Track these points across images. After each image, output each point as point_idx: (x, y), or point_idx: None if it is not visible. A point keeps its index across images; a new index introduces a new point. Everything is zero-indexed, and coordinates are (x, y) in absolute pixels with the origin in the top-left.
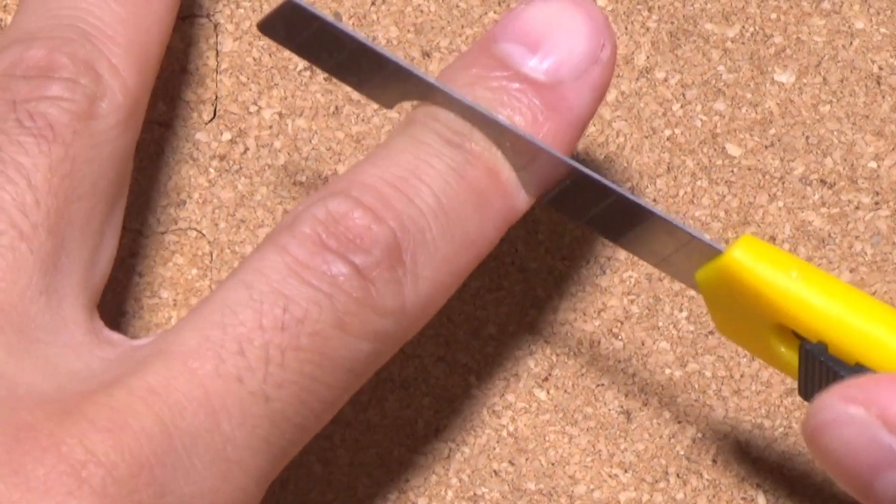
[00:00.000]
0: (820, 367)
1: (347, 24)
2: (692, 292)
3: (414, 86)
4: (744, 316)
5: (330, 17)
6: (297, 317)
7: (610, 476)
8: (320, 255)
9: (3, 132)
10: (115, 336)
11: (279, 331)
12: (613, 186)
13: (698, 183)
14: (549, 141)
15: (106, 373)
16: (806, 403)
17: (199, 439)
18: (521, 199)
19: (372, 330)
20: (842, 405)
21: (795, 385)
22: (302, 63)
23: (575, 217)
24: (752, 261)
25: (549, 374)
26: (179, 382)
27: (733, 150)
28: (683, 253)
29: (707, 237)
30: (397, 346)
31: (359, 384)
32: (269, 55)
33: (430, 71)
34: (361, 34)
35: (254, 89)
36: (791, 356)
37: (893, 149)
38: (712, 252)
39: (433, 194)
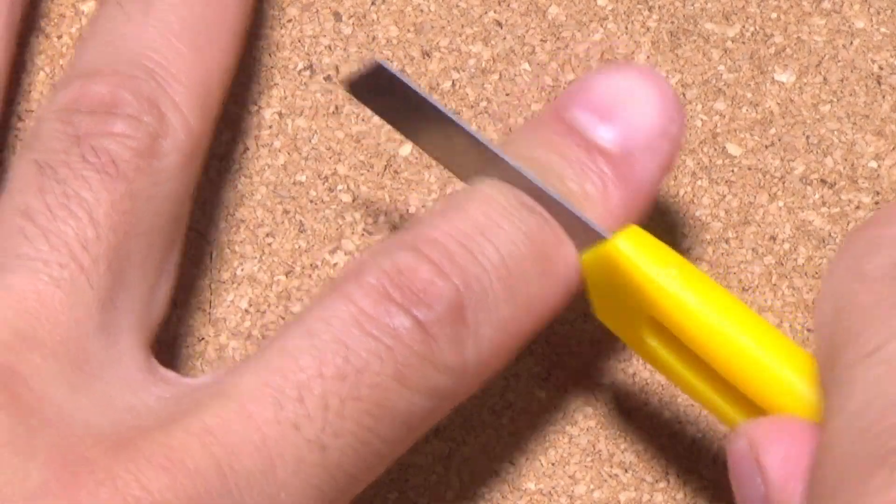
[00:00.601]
0: None
1: (434, 96)
2: None
3: (489, 162)
4: (620, 304)
5: (416, 86)
6: (357, 367)
7: (610, 476)
8: (384, 307)
9: (67, 166)
10: (171, 374)
11: (339, 380)
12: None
13: (698, 183)
14: (617, 212)
15: (162, 410)
16: None
17: (253, 483)
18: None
19: (431, 385)
20: (735, 435)
21: None
22: (302, 62)
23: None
24: (633, 252)
25: (549, 374)
26: (236, 425)
27: (733, 149)
28: (574, 236)
29: (595, 223)
30: (453, 404)
31: (413, 440)
32: (269, 55)
33: (431, 70)
34: (445, 107)
35: (254, 89)
36: (660, 350)
37: (894, 148)
38: (598, 237)
39: (499, 255)
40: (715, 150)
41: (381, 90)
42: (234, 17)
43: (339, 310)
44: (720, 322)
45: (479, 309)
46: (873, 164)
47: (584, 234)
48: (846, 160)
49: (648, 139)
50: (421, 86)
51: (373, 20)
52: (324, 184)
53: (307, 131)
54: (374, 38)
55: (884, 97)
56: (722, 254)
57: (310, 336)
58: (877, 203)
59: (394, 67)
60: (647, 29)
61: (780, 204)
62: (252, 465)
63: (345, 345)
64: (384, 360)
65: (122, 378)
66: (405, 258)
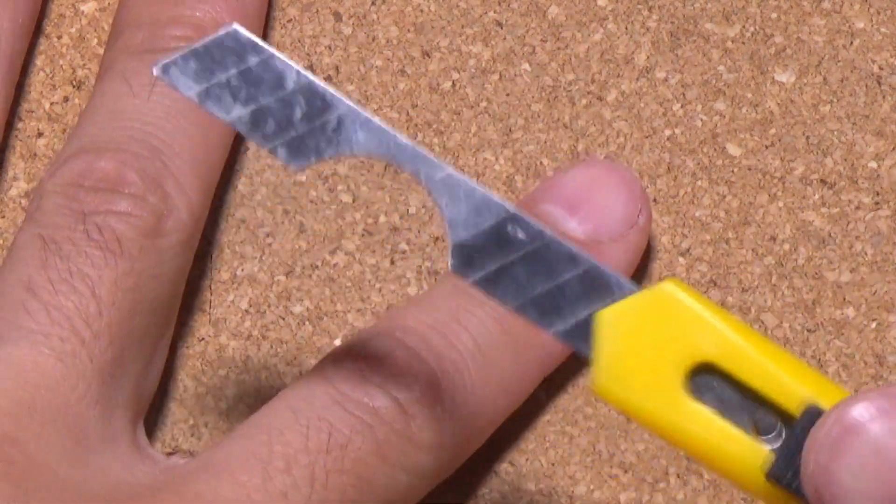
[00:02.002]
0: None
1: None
2: None
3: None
4: (651, 361)
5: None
6: (340, 442)
7: (610, 476)
8: (363, 389)
9: (71, 242)
10: (156, 453)
11: (324, 453)
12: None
13: (698, 183)
14: None
15: (154, 483)
16: None
17: None
18: (559, 348)
19: (411, 462)
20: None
21: None
22: (302, 62)
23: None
24: (687, 294)
25: (550, 374)
26: (227, 492)
27: (733, 150)
28: (586, 291)
29: (623, 277)
30: (432, 484)
31: None
32: None
33: (431, 70)
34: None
35: None
36: (695, 407)
37: (894, 149)
38: (628, 291)
39: (473, 339)
40: (715, 150)
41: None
42: None
43: (319, 391)
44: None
45: (455, 391)
46: (873, 165)
47: (601, 291)
48: (846, 160)
49: (616, 230)
50: (407, 97)
51: (373, 20)
52: (324, 184)
53: None
54: (374, 38)
55: (884, 97)
56: (722, 254)
57: (293, 412)
58: (877, 203)
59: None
60: (647, 29)
61: (780, 204)
62: None
63: (328, 421)
64: (365, 437)
65: (115, 453)
66: (383, 344)
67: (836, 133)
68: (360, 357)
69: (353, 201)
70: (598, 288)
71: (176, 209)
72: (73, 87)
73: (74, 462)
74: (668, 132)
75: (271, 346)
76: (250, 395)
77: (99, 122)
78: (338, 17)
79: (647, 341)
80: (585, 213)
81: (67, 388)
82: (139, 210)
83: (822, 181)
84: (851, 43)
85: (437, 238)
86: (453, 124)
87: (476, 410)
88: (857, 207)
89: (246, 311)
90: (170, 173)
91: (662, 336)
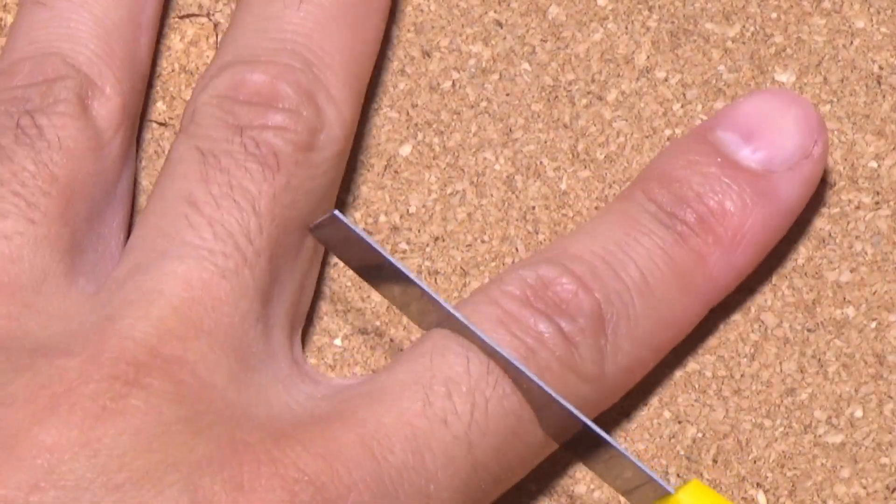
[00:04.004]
0: None
1: (386, 249)
2: None
3: (444, 317)
4: None
5: (367, 238)
6: (502, 365)
7: None
8: (528, 311)
9: (230, 155)
10: (316, 372)
11: (484, 378)
12: (610, 440)
13: None
14: (756, 228)
15: (316, 408)
16: (805, 406)
17: (404, 474)
18: (725, 283)
19: (572, 392)
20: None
21: (796, 385)
22: None
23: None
24: None
25: None
26: (388, 419)
27: None
28: (645, 488)
29: (658, 478)
30: (591, 415)
31: (550, 449)
32: None
33: (431, 70)
34: (398, 261)
35: None
36: None
37: (894, 149)
38: (663, 491)
39: (639, 271)
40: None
41: (340, 239)
42: None
43: (484, 311)
44: None
45: (619, 323)
46: (873, 164)
47: (651, 488)
48: (846, 160)
49: (791, 159)
50: (375, 241)
51: None
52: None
53: None
54: None
55: (884, 97)
56: None
57: (455, 335)
58: (877, 203)
59: (349, 220)
60: (647, 29)
61: None
62: (403, 456)
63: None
64: (527, 361)
65: (276, 373)
66: (548, 271)
67: (836, 133)
68: (525, 283)
69: (353, 201)
70: (650, 487)
71: (329, 123)
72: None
73: (240, 384)
74: (668, 132)
75: None
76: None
77: (250, 30)
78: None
79: None
80: (760, 141)
81: (232, 307)
82: (294, 124)
83: (823, 181)
84: (851, 43)
85: (436, 238)
86: (453, 124)
87: (639, 344)
88: (857, 207)
89: None
90: (322, 86)
91: None
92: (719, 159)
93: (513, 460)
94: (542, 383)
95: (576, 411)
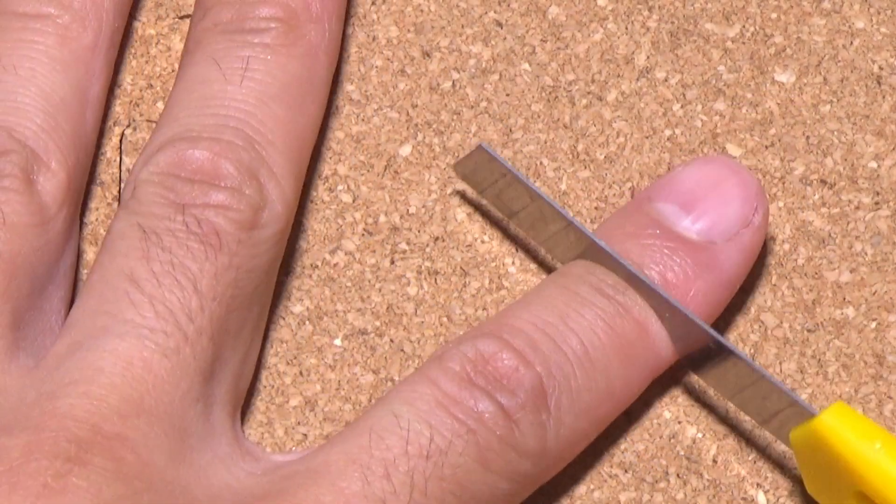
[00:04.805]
0: None
1: (528, 178)
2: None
3: (578, 240)
4: (830, 478)
5: (515, 170)
6: (441, 447)
7: (610, 476)
8: (468, 391)
9: (171, 234)
10: (256, 448)
11: (423, 459)
12: (747, 359)
13: None
14: (699, 299)
15: (256, 487)
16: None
17: None
18: (668, 353)
19: (512, 469)
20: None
21: (796, 385)
22: None
23: (699, 373)
24: (840, 427)
25: None
26: (327, 499)
27: (734, 150)
28: (785, 413)
29: (803, 400)
30: (532, 489)
31: None
32: None
33: (431, 70)
34: (542, 189)
35: None
36: None
37: (894, 149)
38: (806, 414)
39: (581, 343)
40: (715, 150)
41: (483, 174)
42: (325, 70)
43: (423, 393)
44: None
45: (561, 397)
46: (873, 165)
47: (792, 413)
48: (846, 160)
49: (730, 230)
50: (520, 170)
51: (373, 20)
52: (324, 184)
53: None
54: (374, 38)
55: (884, 97)
56: None
57: (395, 416)
58: (877, 203)
59: (496, 151)
60: (647, 29)
61: (780, 204)
62: None
63: (429, 425)
64: (467, 442)
65: (216, 451)
66: (488, 345)
67: (836, 133)
68: (465, 358)
69: (353, 201)
70: (790, 412)
71: (271, 201)
72: None
73: (179, 463)
74: (668, 132)
75: (271, 346)
76: (250, 395)
77: (191, 107)
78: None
79: (823, 462)
80: (700, 211)
81: (173, 386)
82: (236, 203)
83: (822, 181)
84: (851, 43)
85: (436, 238)
86: (453, 124)
87: (581, 417)
88: (857, 207)
89: None
90: (264, 164)
91: (831, 462)
92: (658, 231)
93: None
94: (679, 305)
95: (715, 334)
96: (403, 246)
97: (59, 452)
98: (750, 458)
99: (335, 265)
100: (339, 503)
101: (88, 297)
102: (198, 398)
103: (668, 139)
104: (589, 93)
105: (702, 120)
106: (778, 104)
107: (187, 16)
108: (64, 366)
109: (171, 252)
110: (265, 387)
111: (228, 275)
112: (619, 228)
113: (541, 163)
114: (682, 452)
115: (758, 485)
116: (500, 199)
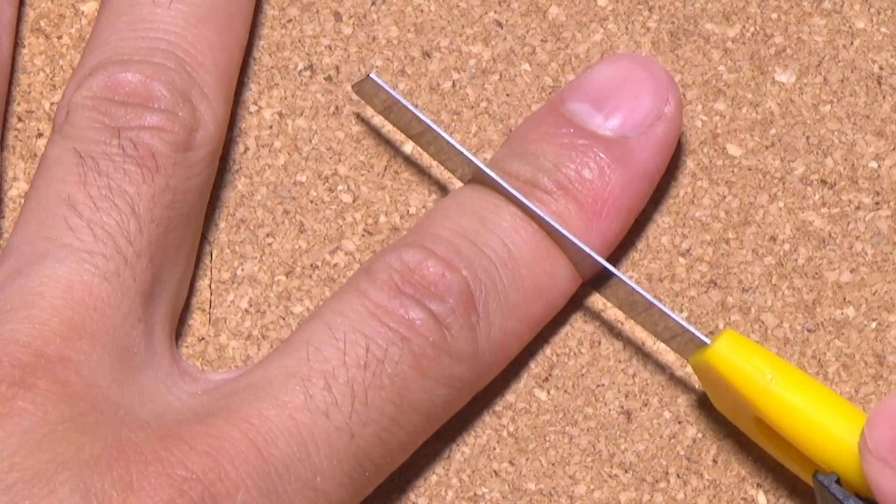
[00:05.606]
0: (831, 496)
1: (417, 105)
2: (691, 293)
3: (470, 168)
4: (730, 401)
5: (400, 96)
6: (377, 356)
7: (610, 476)
8: (398, 300)
9: (107, 158)
10: (193, 368)
11: (362, 369)
12: (636, 287)
13: (698, 183)
14: (617, 192)
15: (199, 406)
16: None
17: (290, 467)
18: (594, 252)
19: (448, 374)
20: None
21: None
22: (302, 63)
23: (601, 291)
24: (733, 357)
25: (549, 374)
26: (271, 413)
27: (734, 150)
28: (684, 336)
29: (695, 330)
30: (470, 394)
31: (432, 430)
32: (269, 55)
33: (431, 70)
34: (427, 115)
35: (254, 89)
36: (768, 443)
37: (894, 149)
38: (700, 342)
39: (503, 243)
40: (715, 150)
41: (376, 98)
42: None
43: (354, 304)
44: (817, 417)
45: (488, 298)
46: (873, 165)
47: (687, 339)
48: (846, 160)
49: (643, 123)
50: (407, 97)
51: (373, 20)
52: (324, 184)
53: (307, 131)
54: (374, 38)
55: (884, 97)
56: (722, 254)
57: (330, 328)
58: (877, 203)
59: (382, 79)
60: (647, 29)
61: (781, 204)
62: (289, 450)
63: (364, 335)
64: (402, 350)
65: (158, 372)
66: (413, 255)
67: (836, 133)
68: (391, 268)
69: (353, 201)
70: (688, 338)
71: (203, 121)
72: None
73: (123, 384)
74: None
75: (271, 346)
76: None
77: (120, 30)
78: (338, 17)
79: (720, 388)
80: (611, 107)
81: (114, 309)
82: (171, 125)
83: (822, 181)
84: (851, 43)
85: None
86: (453, 124)
87: (510, 317)
88: (857, 207)
89: (246, 310)
90: (196, 85)
91: (728, 388)
92: (572, 129)
93: (394, 447)
94: (564, 230)
95: (610, 266)
96: None
97: (4, 377)
98: (750, 458)
99: (335, 265)
100: (283, 417)
101: (26, 224)
102: (139, 319)
103: None
104: None
105: (702, 120)
106: (778, 104)
107: None
108: (4, 293)
109: (108, 176)
110: None
111: (165, 197)
112: (533, 130)
113: None
114: (682, 452)
115: (758, 485)
116: (399, 122)
